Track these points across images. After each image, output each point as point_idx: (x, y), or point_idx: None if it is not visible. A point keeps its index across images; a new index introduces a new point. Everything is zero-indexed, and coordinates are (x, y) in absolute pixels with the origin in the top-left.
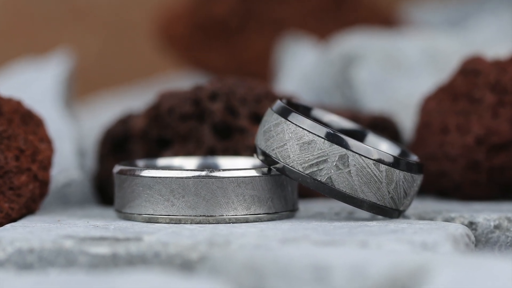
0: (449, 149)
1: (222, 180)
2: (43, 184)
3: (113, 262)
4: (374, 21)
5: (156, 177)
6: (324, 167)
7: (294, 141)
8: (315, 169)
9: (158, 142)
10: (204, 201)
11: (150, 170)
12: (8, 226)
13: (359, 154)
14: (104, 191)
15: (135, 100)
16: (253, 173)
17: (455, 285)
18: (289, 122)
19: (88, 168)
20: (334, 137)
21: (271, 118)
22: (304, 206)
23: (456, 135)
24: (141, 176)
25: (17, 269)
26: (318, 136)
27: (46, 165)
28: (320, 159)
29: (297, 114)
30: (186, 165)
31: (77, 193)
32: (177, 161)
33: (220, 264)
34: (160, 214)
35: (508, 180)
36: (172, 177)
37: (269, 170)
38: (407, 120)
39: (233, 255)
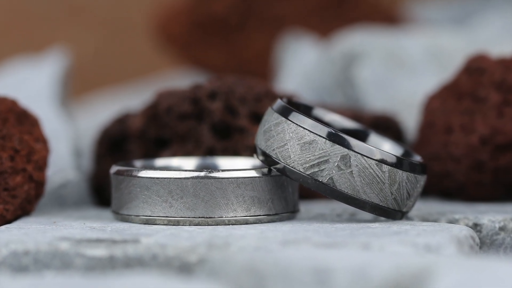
0: (453, 149)
1: (222, 181)
2: (39, 185)
3: (110, 265)
4: (377, 19)
5: (154, 177)
6: (325, 168)
7: (295, 141)
8: (316, 169)
9: (156, 142)
10: (203, 202)
11: (147, 171)
12: (3, 227)
13: (361, 154)
14: (101, 192)
15: (132, 99)
16: (253, 173)
17: None
18: (290, 122)
19: (84, 169)
20: (336, 137)
21: (271, 117)
22: (305, 207)
23: (460, 135)
24: (139, 177)
25: (12, 272)
26: (319, 136)
27: (42, 165)
28: (322, 159)
29: (298, 114)
30: (185, 165)
31: (73, 194)
32: (175, 161)
33: (219, 266)
34: (158, 215)
35: None
36: (170, 178)
37: (269, 170)
38: (410, 120)
39: (233, 258)
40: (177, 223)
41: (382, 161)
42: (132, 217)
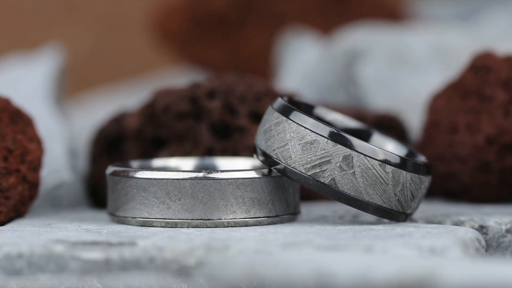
0: (459, 149)
1: (221, 181)
2: (33, 186)
3: (106, 268)
4: (380, 15)
5: (151, 178)
6: (327, 168)
7: (296, 141)
8: (318, 170)
9: (153, 142)
10: (202, 204)
11: (144, 172)
12: None
13: (364, 155)
14: (96, 193)
15: (129, 98)
16: (253, 174)
17: None
18: (291, 121)
19: (80, 169)
20: (338, 136)
21: (271, 116)
22: (307, 209)
23: (466, 135)
24: (136, 178)
25: (5, 275)
26: (321, 135)
27: (36, 166)
28: (323, 159)
29: (299, 113)
30: (183, 166)
31: (68, 196)
32: (173, 162)
33: (218, 269)
34: (155, 217)
35: None
36: (168, 179)
37: (270, 171)
38: (414, 119)
39: (232, 261)
40: (175, 225)
41: (385, 162)
42: (129, 219)
